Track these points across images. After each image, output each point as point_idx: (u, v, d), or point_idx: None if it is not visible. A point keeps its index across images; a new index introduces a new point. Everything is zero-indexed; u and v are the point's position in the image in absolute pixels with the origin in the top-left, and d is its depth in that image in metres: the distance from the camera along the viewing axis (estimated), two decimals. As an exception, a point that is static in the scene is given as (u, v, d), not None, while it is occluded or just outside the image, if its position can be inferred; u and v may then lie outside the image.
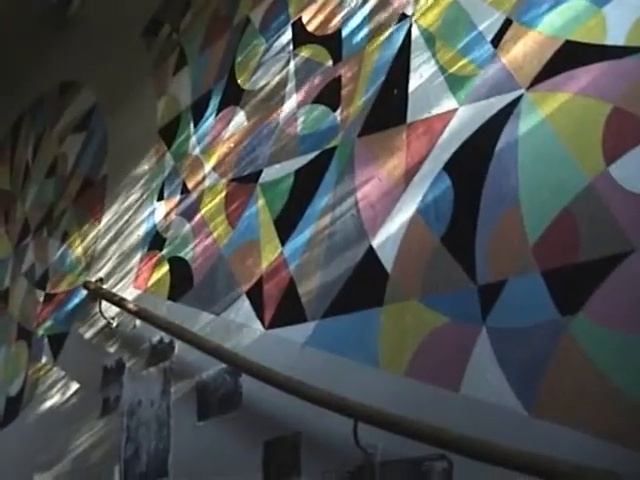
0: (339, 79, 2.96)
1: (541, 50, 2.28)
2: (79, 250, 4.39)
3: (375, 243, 2.52)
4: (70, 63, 5.40)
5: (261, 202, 3.10)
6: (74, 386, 3.90)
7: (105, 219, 4.25)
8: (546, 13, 2.32)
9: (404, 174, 2.52)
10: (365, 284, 2.52)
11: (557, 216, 2.05)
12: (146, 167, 4.02)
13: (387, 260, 2.46)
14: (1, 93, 6.13)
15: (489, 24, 2.47)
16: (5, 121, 6.12)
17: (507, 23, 2.42)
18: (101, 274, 4.03)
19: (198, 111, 3.75)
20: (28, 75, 5.85)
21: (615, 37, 2.12)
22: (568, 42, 2.22)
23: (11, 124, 6.04)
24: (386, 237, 2.49)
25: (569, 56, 2.21)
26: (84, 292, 4.03)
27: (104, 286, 3.92)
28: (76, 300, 4.16)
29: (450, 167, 2.38)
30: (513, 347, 2.03)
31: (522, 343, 2.02)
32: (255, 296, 2.93)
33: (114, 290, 3.82)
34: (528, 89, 2.25)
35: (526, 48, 2.33)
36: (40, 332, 4.43)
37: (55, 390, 4.04)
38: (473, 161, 2.32)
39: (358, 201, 2.65)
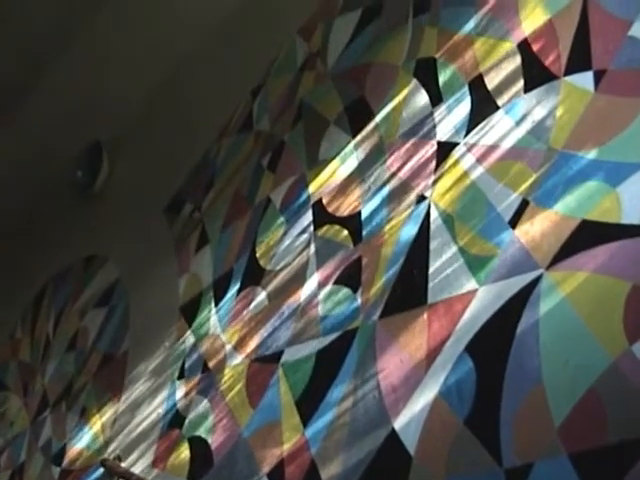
0: (359, 260, 2.99)
1: (558, 230, 2.30)
2: (97, 426, 4.34)
3: (397, 426, 2.48)
4: (94, 237, 5.50)
5: (282, 383, 3.07)
6: None
7: (125, 395, 4.22)
8: (561, 193, 2.36)
9: (426, 356, 2.50)
10: (388, 467, 2.46)
11: (582, 396, 2.02)
12: (167, 344, 4.02)
13: (410, 443, 2.41)
14: (25, 265, 6.24)
15: (506, 205, 2.51)
16: (27, 293, 6.17)
17: (524, 204, 2.45)
18: (119, 452, 3.97)
19: (219, 290, 3.78)
20: (53, 247, 5.96)
21: (630, 216, 2.14)
22: (584, 221, 2.25)
23: (33, 296, 6.09)
24: (409, 420, 2.45)
25: (586, 235, 2.23)
26: (101, 470, 3.96)
27: (122, 464, 3.85)
28: (92, 478, 4.09)
29: (472, 348, 2.37)
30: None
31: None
32: (276, 478, 2.87)
33: (132, 469, 3.75)
34: (547, 269, 2.26)
35: (543, 228, 2.35)
36: (55, 511, 4.35)
37: None
38: (495, 342, 2.30)
39: (380, 383, 2.62)
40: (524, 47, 2.76)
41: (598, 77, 2.45)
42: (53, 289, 5.86)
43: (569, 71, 2.55)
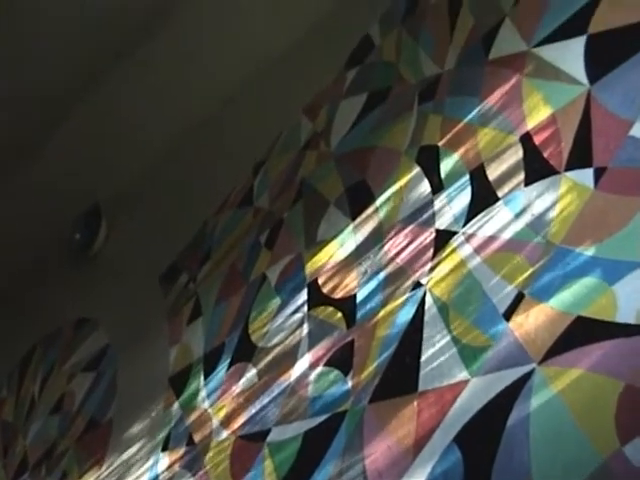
0: (352, 343, 2.97)
1: (553, 325, 2.30)
2: (77, 493, 4.29)
3: (382, 515, 2.47)
4: (88, 300, 5.47)
5: (268, 462, 3.03)
6: None
7: (107, 463, 4.16)
8: (558, 288, 2.36)
9: (414, 444, 2.48)
10: None
11: (571, 495, 2.01)
12: (153, 414, 3.97)
13: (395, 534, 2.40)
14: (15, 324, 6.20)
15: (502, 297, 2.51)
16: (16, 352, 6.13)
17: (519, 296, 2.46)
18: (96, 521, 3.93)
19: (210, 363, 3.74)
20: (44, 308, 5.93)
21: (625, 315, 2.15)
22: (579, 318, 2.25)
23: (21, 355, 6.05)
24: (393, 508, 2.44)
25: (581, 332, 2.23)
26: (77, 539, 3.92)
27: (99, 535, 3.81)
28: None
29: (460, 439, 2.35)
30: None
31: None
32: None
33: (108, 539, 3.71)
34: (540, 363, 2.26)
35: (538, 322, 2.35)
36: None
37: None
38: (484, 434, 2.28)
39: (366, 468, 2.59)
40: (526, 140, 2.79)
41: (598, 174, 2.47)
42: (42, 350, 5.81)
43: (570, 167, 2.58)
